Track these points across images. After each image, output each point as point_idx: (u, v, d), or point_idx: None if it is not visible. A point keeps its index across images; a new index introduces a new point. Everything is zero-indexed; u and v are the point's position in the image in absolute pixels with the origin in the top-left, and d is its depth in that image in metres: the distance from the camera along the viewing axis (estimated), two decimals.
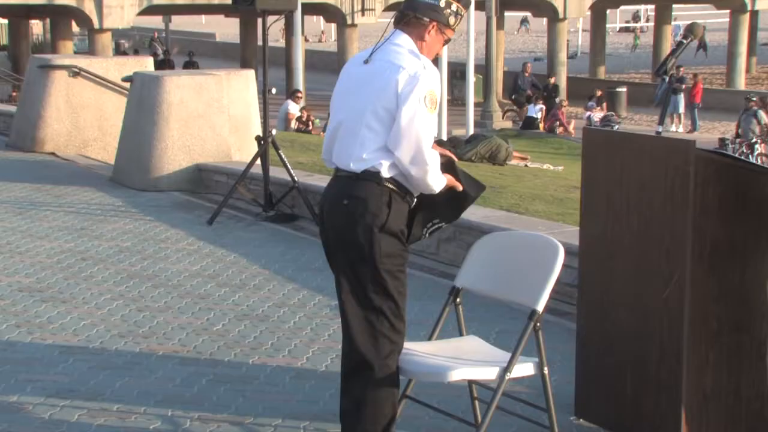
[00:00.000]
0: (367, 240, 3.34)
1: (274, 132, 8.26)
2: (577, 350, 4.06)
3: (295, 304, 5.72)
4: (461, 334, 3.82)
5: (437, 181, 3.42)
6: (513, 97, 28.27)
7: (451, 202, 3.56)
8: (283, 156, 8.13)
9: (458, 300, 3.76)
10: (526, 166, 15.96)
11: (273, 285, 6.13)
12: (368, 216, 3.35)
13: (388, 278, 3.37)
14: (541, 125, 25.33)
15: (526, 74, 28.69)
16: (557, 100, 26.45)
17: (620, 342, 3.84)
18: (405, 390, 3.67)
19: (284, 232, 7.73)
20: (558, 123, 24.69)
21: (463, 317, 3.80)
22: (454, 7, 3.46)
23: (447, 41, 3.53)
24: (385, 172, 3.38)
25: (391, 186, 3.39)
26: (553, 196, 9.61)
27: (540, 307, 3.44)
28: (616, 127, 22.96)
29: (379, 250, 3.35)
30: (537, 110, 26.10)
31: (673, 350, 3.63)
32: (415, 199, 3.50)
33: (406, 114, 3.30)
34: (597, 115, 24.95)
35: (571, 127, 24.62)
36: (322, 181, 8.48)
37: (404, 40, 3.42)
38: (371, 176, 3.39)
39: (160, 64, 28.11)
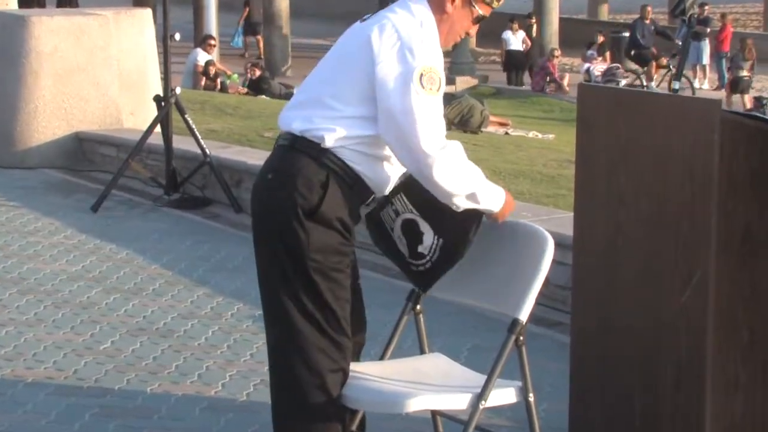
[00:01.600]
0: (289, 228, 3.36)
1: (178, 90, 8.21)
2: (572, 370, 4.10)
3: (207, 315, 5.71)
4: (423, 352, 3.84)
5: (454, 184, 3.34)
6: (632, 53, 27.13)
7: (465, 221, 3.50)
8: (190, 122, 8.09)
9: (418, 307, 3.77)
10: (506, 133, 16.05)
11: (178, 290, 6.11)
12: (293, 196, 3.36)
13: (319, 279, 3.39)
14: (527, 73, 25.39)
15: (647, 20, 27.95)
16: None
17: (627, 359, 3.89)
18: (350, 424, 3.68)
19: (193, 220, 7.70)
20: (548, 78, 24.84)
21: (425, 329, 3.82)
22: None
23: (479, 19, 3.51)
24: (330, 143, 3.38)
25: (333, 165, 3.39)
26: (542, 173, 9.67)
27: (523, 316, 3.47)
28: (623, 83, 23.12)
29: (306, 242, 3.36)
30: (519, 40, 26.11)
31: (693, 369, 3.68)
32: (374, 197, 3.51)
33: (394, 96, 3.29)
34: (598, 67, 25.11)
35: (564, 84, 24.78)
36: (241, 154, 8.45)
37: (419, 9, 3.42)
38: (308, 146, 3.40)
39: (25, 1, 27.75)
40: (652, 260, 3.77)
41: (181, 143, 8.34)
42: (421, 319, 3.79)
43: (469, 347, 5.19)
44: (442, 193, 3.40)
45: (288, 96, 19.23)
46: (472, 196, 3.42)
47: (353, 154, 3.42)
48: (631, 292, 3.85)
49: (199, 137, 8.03)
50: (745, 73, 23.03)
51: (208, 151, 7.98)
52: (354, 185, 3.44)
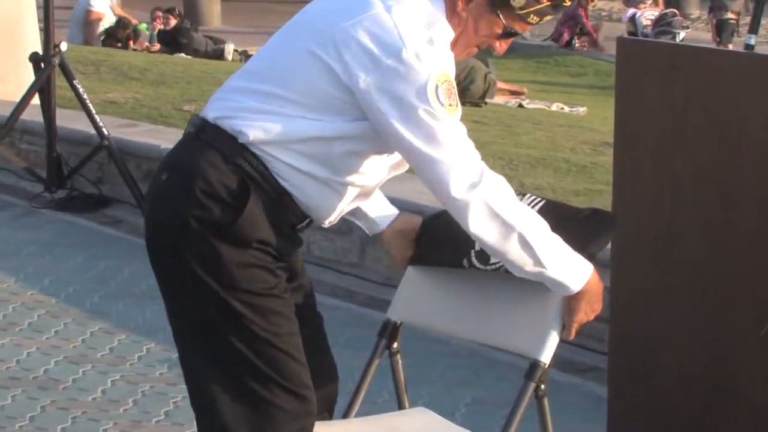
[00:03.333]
0: (191, 249, 3.33)
1: (64, 47, 8.21)
2: (609, 430, 4.14)
3: (105, 359, 5.71)
4: (401, 407, 3.86)
5: (496, 231, 3.32)
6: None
7: None
8: (81, 91, 8.08)
9: (395, 345, 3.78)
10: (520, 105, 16.10)
11: (65, 324, 6.11)
12: (188, 205, 3.35)
13: (248, 312, 3.36)
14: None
15: None
16: None
17: (684, 415, 3.91)
18: None
19: (85, 227, 7.69)
20: (579, 30, 24.92)
21: (404, 376, 3.84)
22: None
23: (507, 34, 3.50)
24: (252, 139, 3.36)
25: (252, 169, 3.36)
26: (569, 161, 9.72)
27: (546, 358, 3.49)
28: (681, 36, 23.19)
29: (217, 267, 3.31)
30: None
31: None
32: (311, 221, 3.52)
33: (400, 119, 3.28)
34: (647, 14, 25.23)
35: (600, 37, 24.87)
36: (151, 135, 8.45)
37: (428, 4, 3.43)
38: (218, 138, 3.38)
39: None
40: (719, 279, 3.79)
41: (69, 120, 8.34)
42: (399, 362, 3.79)
43: (468, 401, 5.20)
44: (488, 243, 3.36)
45: (217, 54, 19.17)
46: (526, 246, 3.34)
47: (283, 167, 3.37)
48: (689, 324, 3.87)
49: (94, 112, 8.03)
50: (730, 15, 23.06)
51: (106, 132, 7.98)
52: (281, 198, 3.41)
